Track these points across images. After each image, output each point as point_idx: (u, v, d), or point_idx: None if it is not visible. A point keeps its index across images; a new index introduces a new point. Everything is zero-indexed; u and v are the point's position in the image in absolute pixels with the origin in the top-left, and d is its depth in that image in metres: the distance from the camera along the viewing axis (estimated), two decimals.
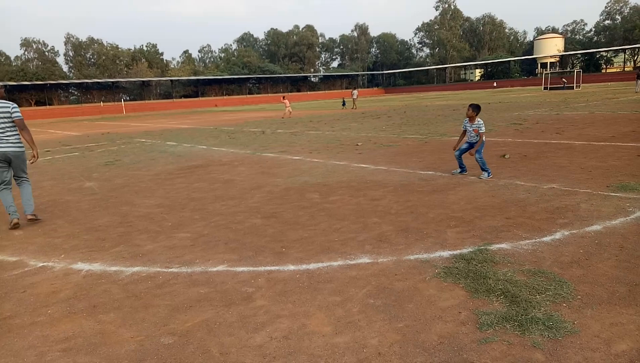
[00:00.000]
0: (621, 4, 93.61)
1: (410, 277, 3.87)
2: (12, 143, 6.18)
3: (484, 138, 7.49)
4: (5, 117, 6.15)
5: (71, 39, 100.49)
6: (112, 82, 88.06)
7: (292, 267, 4.27)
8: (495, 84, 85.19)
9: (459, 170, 8.02)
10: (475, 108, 7.52)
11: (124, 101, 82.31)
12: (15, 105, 6.29)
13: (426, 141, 12.88)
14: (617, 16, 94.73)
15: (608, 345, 2.72)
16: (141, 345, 3.08)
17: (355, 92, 42.00)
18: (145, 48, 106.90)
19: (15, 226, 6.13)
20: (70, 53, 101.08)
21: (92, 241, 5.46)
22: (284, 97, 34.82)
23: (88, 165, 12.27)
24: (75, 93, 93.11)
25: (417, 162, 9.46)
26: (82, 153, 15.47)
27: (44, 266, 4.71)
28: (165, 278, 4.21)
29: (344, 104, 42.73)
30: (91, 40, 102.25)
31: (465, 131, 7.73)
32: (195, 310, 3.54)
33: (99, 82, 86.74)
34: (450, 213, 5.64)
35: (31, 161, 6.50)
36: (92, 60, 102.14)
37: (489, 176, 7.52)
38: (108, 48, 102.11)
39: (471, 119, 7.55)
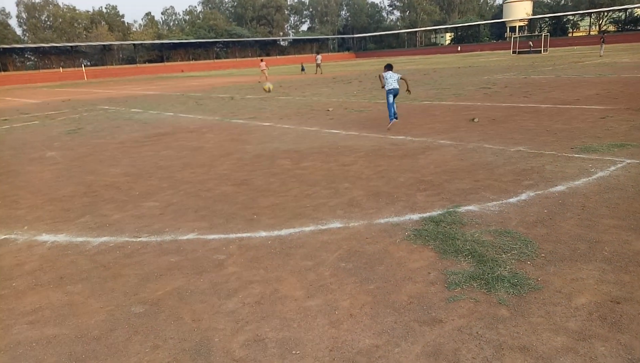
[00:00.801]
0: None
1: (380, 240, 3.92)
2: None
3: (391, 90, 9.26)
4: None
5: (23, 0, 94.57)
6: (71, 46, 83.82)
7: (263, 234, 4.25)
8: (459, 49, 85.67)
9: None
10: (387, 66, 9.44)
11: (84, 66, 78.78)
12: None
13: (397, 106, 12.85)
14: None
15: (569, 299, 2.84)
16: (111, 314, 3.04)
17: (319, 57, 41.39)
18: (104, 10, 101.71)
19: None
20: (24, 15, 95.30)
21: (56, 211, 5.29)
22: (262, 60, 34.09)
23: (49, 134, 11.78)
24: (32, 58, 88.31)
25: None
26: (42, 122, 14.82)
27: (6, 239, 4.55)
28: (134, 247, 4.13)
29: (302, 70, 42.36)
30: (46, 2, 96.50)
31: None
32: (165, 278, 3.51)
33: (57, 46, 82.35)
34: (420, 176, 5.71)
35: None
36: (48, 23, 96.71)
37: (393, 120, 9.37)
38: (65, 10, 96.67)
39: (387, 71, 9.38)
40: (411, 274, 3.31)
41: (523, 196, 4.74)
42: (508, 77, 20.58)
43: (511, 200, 4.66)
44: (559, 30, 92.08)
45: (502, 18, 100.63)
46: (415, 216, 4.40)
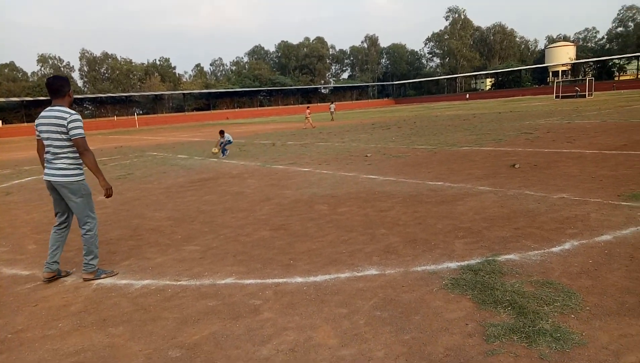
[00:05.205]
0: (634, 11, 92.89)
1: (417, 289, 3.86)
2: (56, 168, 4.50)
3: (228, 141, 15.90)
4: (56, 132, 4.37)
5: (86, 54, 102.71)
6: (125, 96, 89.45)
7: (299, 279, 4.28)
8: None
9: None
10: (220, 133, 15.70)
11: (137, 114, 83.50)
12: (77, 116, 4.42)
13: (435, 152, 12.86)
14: (630, 23, 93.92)
15: (617, 357, 2.69)
16: (149, 358, 3.12)
17: (332, 105, 44.05)
18: (158, 62, 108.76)
19: (47, 280, 4.71)
20: (85, 68, 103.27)
21: (103, 254, 5.53)
22: (307, 107, 35.44)
23: None
24: (90, 108, 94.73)
25: (426, 173, 9.45)
26: None
27: (57, 280, 4.78)
28: (174, 291, 4.25)
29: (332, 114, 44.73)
30: (105, 55, 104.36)
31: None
32: (202, 322, 3.57)
33: (112, 96, 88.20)
34: (459, 223, 5.63)
35: (104, 195, 4.97)
36: (106, 75, 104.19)
37: (223, 156, 15.61)
38: (122, 63, 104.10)
39: (222, 136, 15.74)
40: (448, 325, 3.23)
41: (566, 246, 4.58)
42: (551, 122, 20.21)
43: (554, 249, 4.50)
44: (605, 74, 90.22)
45: (544, 63, 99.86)
46: (453, 265, 4.32)
